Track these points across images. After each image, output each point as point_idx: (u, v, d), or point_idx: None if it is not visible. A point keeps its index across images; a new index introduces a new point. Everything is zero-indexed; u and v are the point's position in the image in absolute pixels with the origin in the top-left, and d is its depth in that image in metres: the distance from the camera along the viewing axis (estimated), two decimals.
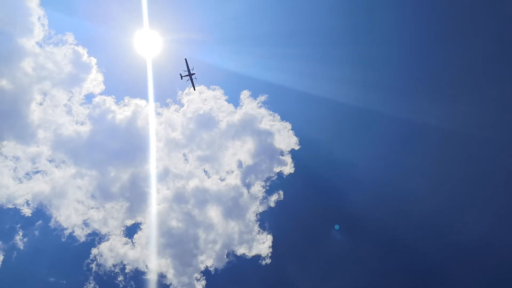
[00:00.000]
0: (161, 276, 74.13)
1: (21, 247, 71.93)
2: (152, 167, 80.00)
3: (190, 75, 79.60)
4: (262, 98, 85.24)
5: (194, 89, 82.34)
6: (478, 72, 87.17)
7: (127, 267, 74.00)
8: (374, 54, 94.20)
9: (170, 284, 73.75)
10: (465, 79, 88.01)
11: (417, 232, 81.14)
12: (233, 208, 79.64)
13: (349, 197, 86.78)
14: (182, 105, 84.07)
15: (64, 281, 72.00)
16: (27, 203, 71.44)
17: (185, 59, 78.17)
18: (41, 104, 74.90)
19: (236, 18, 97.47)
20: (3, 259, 68.52)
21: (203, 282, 75.03)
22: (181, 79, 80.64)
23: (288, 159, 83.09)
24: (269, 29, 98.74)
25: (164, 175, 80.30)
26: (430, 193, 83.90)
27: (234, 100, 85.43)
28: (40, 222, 73.59)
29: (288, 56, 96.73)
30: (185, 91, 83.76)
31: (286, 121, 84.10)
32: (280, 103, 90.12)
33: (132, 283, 73.93)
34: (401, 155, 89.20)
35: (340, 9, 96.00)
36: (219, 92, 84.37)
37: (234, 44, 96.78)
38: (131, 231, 76.48)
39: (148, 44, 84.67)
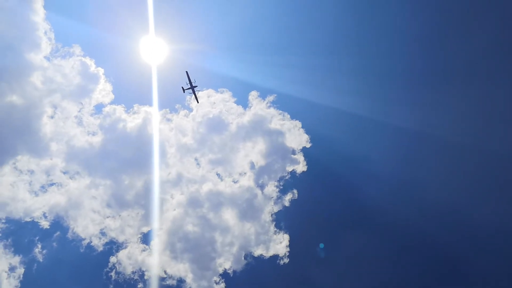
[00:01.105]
0: (180, 281, 74.50)
1: (41, 259, 72.65)
2: (165, 173, 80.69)
3: (192, 87, 78.45)
4: (271, 98, 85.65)
5: (198, 102, 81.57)
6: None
7: (146, 273, 74.38)
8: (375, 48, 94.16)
9: None
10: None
11: (434, 223, 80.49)
12: (248, 210, 79.85)
13: (364, 191, 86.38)
14: (191, 110, 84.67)
15: None
16: (44, 216, 72.29)
17: (186, 71, 76.72)
18: (52, 117, 75.85)
19: (241, 26, 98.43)
20: (24, 271, 69.26)
21: (222, 285, 75.26)
22: (183, 92, 79.11)
23: (300, 157, 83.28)
24: (273, 38, 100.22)
25: (178, 181, 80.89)
26: (445, 183, 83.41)
27: (243, 102, 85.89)
28: (58, 233, 74.24)
29: (293, 65, 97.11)
30: (193, 95, 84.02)
31: (296, 120, 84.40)
32: (289, 102, 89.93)
33: None
34: (413, 146, 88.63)
35: (343, 18, 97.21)
36: (227, 95, 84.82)
37: (240, 52, 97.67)
38: (148, 238, 76.92)
39: (154, 51, 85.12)
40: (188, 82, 77.11)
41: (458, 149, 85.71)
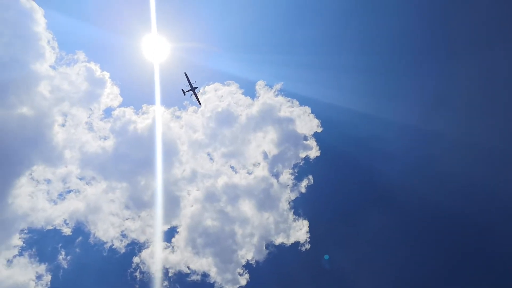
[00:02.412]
0: (204, 275, 74.93)
1: (66, 266, 73.36)
2: (179, 171, 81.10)
3: (192, 89, 77.41)
4: (278, 86, 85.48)
5: (200, 104, 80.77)
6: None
7: (170, 271, 74.90)
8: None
9: (214, 282, 74.49)
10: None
11: (453, 197, 79.82)
12: (265, 200, 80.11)
13: (380, 170, 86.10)
14: (199, 106, 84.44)
15: None
16: (65, 223, 72.97)
17: (185, 73, 75.28)
18: (63, 125, 76.44)
19: (244, 24, 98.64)
20: (51, 279, 70.11)
21: (247, 276, 75.57)
22: (184, 94, 78.19)
23: (312, 142, 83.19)
24: (276, 37, 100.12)
25: (193, 177, 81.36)
26: (462, 155, 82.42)
27: (250, 92, 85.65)
28: (80, 239, 74.90)
29: (296, 64, 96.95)
30: (200, 90, 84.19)
31: (305, 106, 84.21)
32: (296, 88, 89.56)
33: (178, 286, 74.73)
34: (427, 121, 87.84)
35: (348, 17, 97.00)
36: (234, 87, 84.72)
37: (243, 50, 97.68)
38: (168, 235, 77.49)
39: (158, 50, 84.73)
40: (187, 84, 76.29)
41: (474, 120, 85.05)
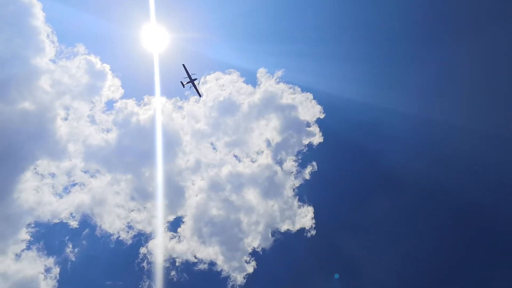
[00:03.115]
0: (211, 264, 75.39)
1: (73, 258, 73.86)
2: (183, 161, 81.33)
3: (191, 81, 76.90)
4: (279, 73, 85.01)
5: (200, 96, 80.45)
6: None
7: (177, 260, 75.36)
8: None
9: (221, 270, 74.97)
10: None
11: (458, 177, 79.91)
12: (269, 187, 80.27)
13: (384, 154, 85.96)
14: (199, 97, 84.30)
15: (121, 283, 73.99)
16: (72, 216, 73.31)
17: (183, 65, 74.85)
18: (66, 119, 76.39)
19: (245, 13, 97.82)
20: (60, 271, 70.71)
21: (254, 263, 76.03)
22: (183, 87, 77.89)
23: (315, 129, 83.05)
24: (277, 26, 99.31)
25: (197, 167, 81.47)
26: (467, 136, 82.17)
27: (252, 81, 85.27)
28: (86, 231, 75.31)
29: (296, 54, 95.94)
30: (201, 80, 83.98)
31: (307, 92, 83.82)
32: (298, 74, 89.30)
33: (185, 275, 75.26)
34: (431, 100, 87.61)
35: (347, 5, 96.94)
36: (235, 75, 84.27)
37: (243, 40, 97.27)
38: (174, 225, 77.89)
39: (157, 40, 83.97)
40: (186, 75, 75.72)
41: (478, 101, 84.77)
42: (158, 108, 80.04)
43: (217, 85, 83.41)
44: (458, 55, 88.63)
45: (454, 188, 79.98)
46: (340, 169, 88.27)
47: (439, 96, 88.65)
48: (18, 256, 67.34)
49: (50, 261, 70.46)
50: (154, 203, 77.43)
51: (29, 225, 69.32)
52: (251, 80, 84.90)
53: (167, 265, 74.99)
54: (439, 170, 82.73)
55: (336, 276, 77.15)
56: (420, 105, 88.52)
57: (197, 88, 78.23)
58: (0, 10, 69.63)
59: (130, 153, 77.64)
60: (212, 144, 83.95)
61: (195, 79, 76.65)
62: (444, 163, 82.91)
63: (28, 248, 68.63)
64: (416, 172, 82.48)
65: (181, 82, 77.16)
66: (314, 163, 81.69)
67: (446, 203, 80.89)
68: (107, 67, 78.61)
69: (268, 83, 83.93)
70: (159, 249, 75.82)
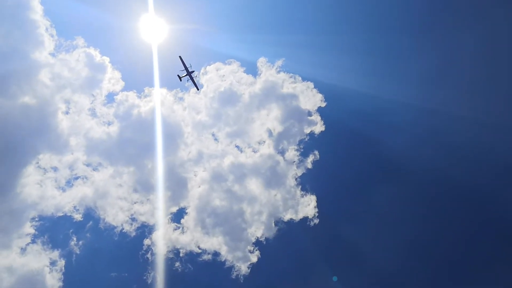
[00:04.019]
0: (215, 254, 75.70)
1: (78, 251, 74.32)
2: (185, 153, 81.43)
3: (189, 73, 75.72)
4: (279, 62, 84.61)
5: (198, 89, 79.87)
6: None
7: (181, 251, 75.72)
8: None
9: (225, 260, 75.31)
10: None
11: (460, 165, 79.73)
12: (272, 177, 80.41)
13: (386, 142, 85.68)
14: (201, 86, 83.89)
15: (126, 274, 74.32)
16: (75, 209, 73.62)
17: (180, 57, 73.42)
18: (67, 112, 76.34)
19: (244, 5, 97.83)
20: (65, 264, 71.10)
21: (257, 253, 76.32)
22: (180, 80, 76.60)
23: (317, 117, 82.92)
24: (276, 17, 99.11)
25: (199, 158, 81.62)
26: (469, 123, 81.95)
27: (252, 70, 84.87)
28: (90, 224, 75.65)
29: (296, 43, 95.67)
30: (201, 71, 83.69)
31: (308, 81, 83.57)
32: (298, 63, 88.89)
33: (190, 266, 75.66)
34: (432, 89, 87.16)
35: None
36: (235, 65, 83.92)
37: (242, 31, 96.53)
38: (178, 217, 78.16)
39: (156, 31, 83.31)
40: (183, 68, 74.73)
41: (480, 89, 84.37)
42: (157, 100, 79.90)
43: (217, 76, 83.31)
44: (459, 43, 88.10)
45: (456, 176, 79.91)
46: (342, 158, 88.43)
47: (441, 85, 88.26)
48: (23, 250, 67.83)
49: (55, 254, 70.88)
50: (157, 195, 77.60)
51: (33, 219, 69.74)
52: (252, 70, 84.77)
53: (171, 256, 75.53)
54: (441, 159, 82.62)
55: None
56: (422, 94, 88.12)
57: (195, 81, 77.54)
58: None
59: (132, 145, 77.71)
60: (213, 135, 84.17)
61: (193, 72, 75.70)
62: (446, 152, 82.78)
63: (33, 241, 69.11)
64: (418, 161, 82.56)
65: (178, 75, 76.25)
66: (316, 152, 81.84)
67: (448, 191, 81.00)
68: (106, 59, 78.40)
69: (269, 73, 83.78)
70: (163, 240, 76.16)
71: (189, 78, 76.68)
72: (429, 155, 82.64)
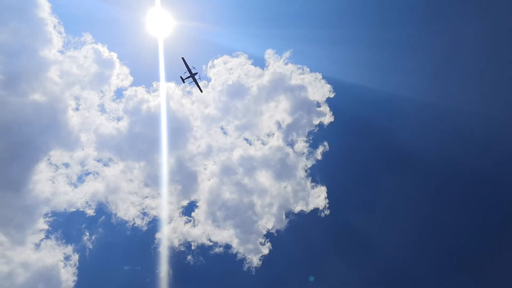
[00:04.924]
0: (227, 247, 76.20)
1: (91, 245, 75.22)
2: (195, 147, 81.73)
3: (192, 75, 74.78)
4: (287, 54, 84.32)
5: (201, 91, 79.14)
6: None
7: (192, 244, 76.29)
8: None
9: (237, 252, 75.70)
10: None
11: (469, 152, 79.28)
12: (281, 169, 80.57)
13: (396, 131, 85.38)
14: (209, 80, 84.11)
15: (139, 268, 74.99)
16: (87, 204, 74.32)
17: (182, 58, 72.31)
18: (77, 109, 76.82)
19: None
20: (79, 258, 71.99)
21: (269, 245, 76.64)
22: (183, 82, 75.78)
23: (325, 108, 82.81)
24: (283, 10, 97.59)
25: (208, 151, 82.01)
26: (479, 111, 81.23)
27: (260, 62, 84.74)
28: (102, 218, 76.42)
29: (303, 36, 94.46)
30: (209, 64, 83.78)
31: (316, 72, 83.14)
32: (306, 54, 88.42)
33: (201, 259, 76.15)
34: (440, 78, 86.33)
35: None
36: (243, 58, 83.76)
37: (250, 24, 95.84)
38: (189, 210, 78.63)
39: (163, 25, 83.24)
40: (186, 70, 73.88)
41: (487, 77, 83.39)
42: (162, 95, 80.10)
43: (225, 69, 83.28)
44: (465, 32, 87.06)
45: (465, 164, 79.71)
46: (352, 148, 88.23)
47: (449, 73, 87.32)
48: (37, 245, 68.85)
49: (69, 249, 71.90)
50: (168, 189, 78.14)
51: (46, 215, 70.64)
52: (259, 62, 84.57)
53: (183, 249, 76.13)
54: (450, 147, 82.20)
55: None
56: (430, 83, 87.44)
57: (198, 83, 76.65)
58: (7, 2, 69.69)
59: (141, 140, 78.06)
60: (222, 128, 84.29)
61: (196, 73, 74.77)
62: (455, 140, 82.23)
63: (47, 237, 70.07)
64: (428, 149, 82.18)
65: (181, 77, 75.34)
66: (326, 143, 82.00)
67: (458, 179, 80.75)
68: (114, 55, 78.74)
69: (277, 64, 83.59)
70: (174, 234, 76.81)
71: (192, 79, 75.95)
72: (439, 144, 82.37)
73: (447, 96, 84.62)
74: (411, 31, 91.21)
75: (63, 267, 69.90)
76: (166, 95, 79.45)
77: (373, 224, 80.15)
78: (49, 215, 70.97)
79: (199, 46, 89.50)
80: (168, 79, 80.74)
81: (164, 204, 77.70)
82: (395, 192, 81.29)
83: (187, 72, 74.08)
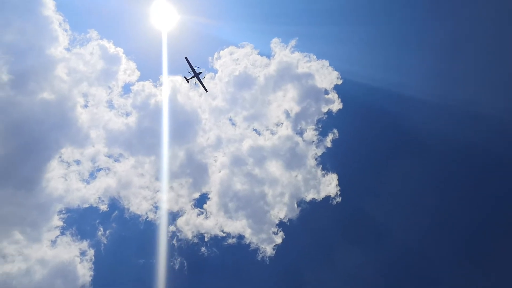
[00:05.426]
0: (240, 237, 76.46)
1: (106, 240, 75.80)
2: (204, 139, 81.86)
3: (196, 75, 74.45)
4: (293, 42, 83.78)
5: (206, 91, 78.77)
6: None
7: (205, 236, 76.62)
8: None
9: (250, 243, 75.95)
10: None
11: (480, 134, 78.23)
12: (291, 158, 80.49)
13: (405, 116, 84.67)
14: (216, 71, 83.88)
15: (154, 261, 75.43)
16: (100, 200, 74.94)
17: (186, 58, 71.96)
18: (85, 106, 77.16)
19: None
20: (94, 253, 72.78)
21: (281, 234, 76.75)
22: (187, 82, 75.54)
23: (334, 95, 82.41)
24: (287, 7, 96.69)
25: (218, 143, 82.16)
26: (490, 91, 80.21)
27: (266, 52, 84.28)
28: (115, 213, 76.94)
29: (308, 26, 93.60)
30: (215, 56, 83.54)
31: (323, 59, 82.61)
32: (312, 42, 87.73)
33: (215, 250, 76.55)
34: (450, 60, 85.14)
35: None
36: (249, 48, 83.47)
37: (255, 15, 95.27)
38: (200, 202, 78.92)
39: (167, 19, 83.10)
40: (190, 70, 73.57)
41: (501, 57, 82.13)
42: (170, 89, 79.90)
43: (231, 60, 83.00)
44: (476, 12, 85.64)
45: (477, 147, 78.64)
46: (361, 134, 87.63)
47: (459, 56, 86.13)
48: (53, 242, 69.72)
49: (84, 244, 72.57)
50: (179, 182, 78.55)
51: (60, 212, 71.35)
52: (266, 51, 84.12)
53: (196, 241, 76.47)
54: (461, 131, 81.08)
55: None
56: (439, 66, 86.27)
57: (203, 82, 76.37)
58: (12, 2, 69.84)
59: (151, 135, 78.30)
60: (230, 119, 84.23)
61: (200, 73, 74.52)
62: (466, 123, 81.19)
63: (62, 234, 70.90)
64: (438, 132, 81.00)
65: (184, 77, 75.27)
66: (335, 131, 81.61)
67: (470, 163, 80.00)
68: (120, 50, 78.87)
69: (283, 53, 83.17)
70: (187, 226, 77.17)
71: (196, 79, 75.68)
72: (448, 128, 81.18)
73: (456, 79, 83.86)
74: (420, 11, 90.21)
75: (80, 262, 70.68)
76: (173, 89, 79.39)
77: (385, 209, 79.86)
78: (63, 212, 71.82)
79: (204, 38, 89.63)
80: (175, 72, 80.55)
81: (176, 197, 78.26)
82: (406, 177, 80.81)
83: (191, 72, 74.09)
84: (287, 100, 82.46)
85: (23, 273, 64.48)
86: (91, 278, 69.65)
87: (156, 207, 77.39)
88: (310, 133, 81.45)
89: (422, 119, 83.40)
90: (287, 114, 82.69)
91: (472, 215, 77.07)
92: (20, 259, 65.48)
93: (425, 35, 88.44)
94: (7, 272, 63.27)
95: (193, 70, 73.24)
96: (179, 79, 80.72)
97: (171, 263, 75.47)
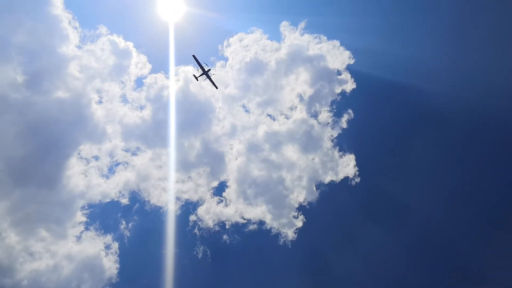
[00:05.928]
0: (261, 223, 76.87)
1: (129, 233, 77.08)
2: (219, 128, 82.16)
3: (205, 72, 73.75)
4: (302, 24, 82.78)
5: (216, 88, 78.21)
6: None
7: (226, 223, 77.20)
8: None
9: (271, 228, 76.36)
10: None
11: (509, 105, 76.38)
12: (308, 142, 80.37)
13: (419, 91, 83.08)
14: (226, 59, 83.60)
15: (177, 250, 76.44)
16: (121, 194, 75.90)
17: (193, 55, 71.17)
18: (100, 102, 77.76)
19: None
20: (119, 246, 74.07)
21: (302, 217, 76.93)
22: (197, 80, 75.22)
23: (347, 76, 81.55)
24: None
25: (233, 131, 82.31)
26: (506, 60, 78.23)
27: (276, 36, 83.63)
28: (136, 206, 77.93)
29: (317, 16, 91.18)
30: (224, 43, 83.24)
31: (334, 39, 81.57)
32: (321, 22, 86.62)
33: (237, 237, 77.17)
34: (465, 30, 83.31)
35: None
36: (258, 33, 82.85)
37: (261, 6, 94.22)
38: (219, 190, 79.42)
39: (175, 11, 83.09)
40: (198, 67, 73.15)
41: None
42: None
43: (241, 47, 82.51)
44: None
45: (496, 118, 77.17)
46: (377, 113, 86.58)
47: (472, 27, 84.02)
48: (78, 237, 71.04)
49: (108, 238, 73.88)
50: (197, 171, 79.11)
51: (83, 207, 72.60)
52: (275, 36, 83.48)
53: (218, 229, 77.12)
54: (480, 102, 79.35)
55: None
56: (453, 39, 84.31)
57: (212, 79, 75.63)
58: (20, 3, 70.31)
59: (166, 126, 78.64)
60: (244, 106, 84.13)
61: (209, 70, 73.83)
62: (484, 95, 79.11)
63: (86, 229, 72.16)
64: (456, 104, 79.52)
65: (194, 75, 75.04)
66: (350, 111, 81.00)
67: (490, 134, 78.53)
68: (130, 44, 79.01)
69: (293, 36, 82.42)
70: (208, 215, 77.84)
71: (206, 77, 75.07)
72: (467, 98, 79.47)
73: (474, 47, 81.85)
74: None
75: (105, 256, 72.01)
76: (185, 79, 79.38)
77: (404, 187, 79.42)
78: (86, 207, 72.99)
79: (213, 28, 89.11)
80: (186, 62, 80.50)
81: (195, 187, 78.89)
82: (424, 153, 79.95)
83: (200, 70, 73.91)
84: (299, 83, 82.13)
85: (51, 270, 65.94)
86: (117, 270, 71.06)
87: (176, 198, 78.24)
88: (325, 115, 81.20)
89: (438, 92, 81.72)
90: (301, 98, 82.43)
91: (493, 189, 75.97)
92: (48, 256, 66.96)
93: (439, 8, 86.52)
94: (36, 269, 64.69)
95: (201, 67, 73.01)
96: (191, 69, 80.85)
97: (194, 252, 76.83)
